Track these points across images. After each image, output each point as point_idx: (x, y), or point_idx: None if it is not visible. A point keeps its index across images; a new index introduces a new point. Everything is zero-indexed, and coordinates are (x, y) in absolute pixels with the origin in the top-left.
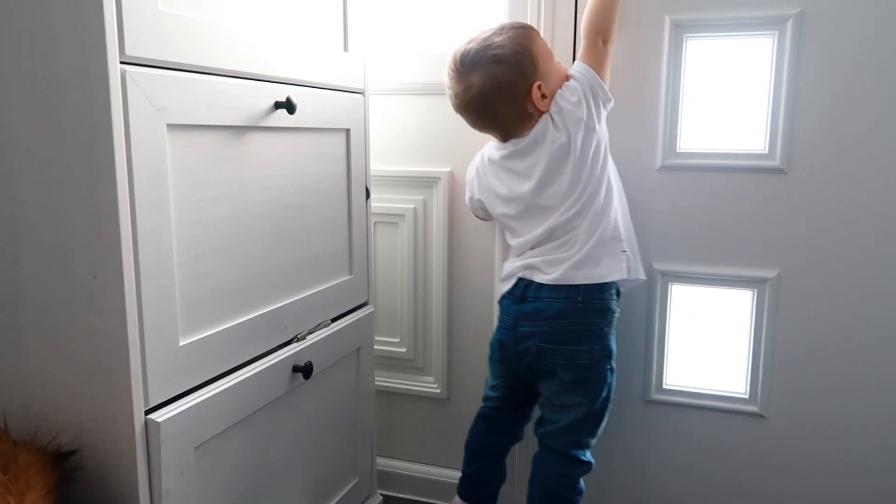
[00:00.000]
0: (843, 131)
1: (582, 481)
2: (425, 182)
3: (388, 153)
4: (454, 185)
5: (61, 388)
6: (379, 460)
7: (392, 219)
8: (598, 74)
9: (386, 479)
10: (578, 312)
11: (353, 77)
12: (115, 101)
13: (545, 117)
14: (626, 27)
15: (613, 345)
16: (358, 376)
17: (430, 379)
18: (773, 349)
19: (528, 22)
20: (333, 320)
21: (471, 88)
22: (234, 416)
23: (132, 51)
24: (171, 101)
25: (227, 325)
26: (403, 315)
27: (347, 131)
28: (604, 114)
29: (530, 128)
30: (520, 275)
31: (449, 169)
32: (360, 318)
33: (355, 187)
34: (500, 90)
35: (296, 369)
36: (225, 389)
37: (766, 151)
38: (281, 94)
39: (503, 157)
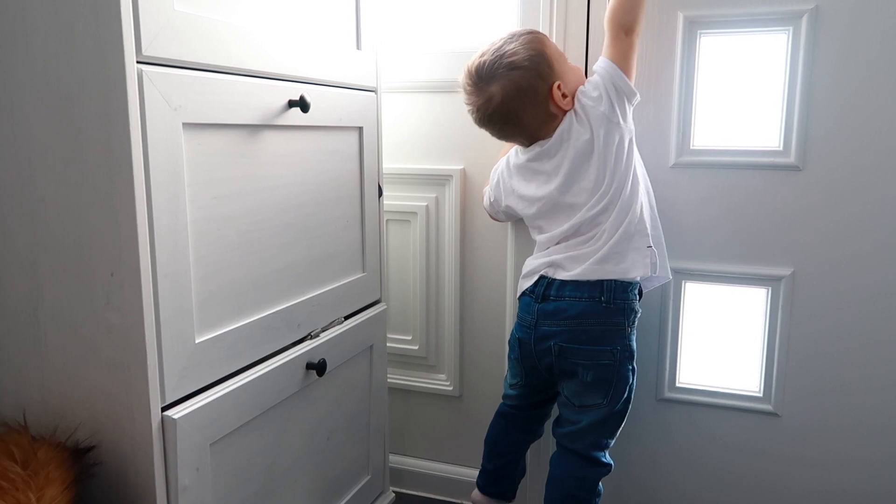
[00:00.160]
0: (858, 128)
1: (601, 484)
2: (437, 180)
3: (400, 151)
4: (466, 183)
5: (79, 384)
6: (391, 457)
7: (404, 216)
8: (622, 69)
9: (398, 476)
10: (601, 312)
11: (365, 75)
12: (132, 100)
13: (569, 115)
14: None
15: (635, 345)
16: (371, 374)
17: (443, 376)
18: (787, 348)
19: (540, 21)
20: (346, 318)
21: (493, 99)
22: (249, 413)
23: (149, 50)
24: (187, 101)
25: (242, 323)
26: (416, 312)
27: (360, 129)
28: (629, 109)
29: (555, 128)
30: (542, 272)
31: (461, 166)
32: (372, 316)
33: (368, 185)
34: (521, 95)
35: (309, 367)
36: (240, 386)
37: (781, 148)
38: (294, 92)
39: (529, 160)
